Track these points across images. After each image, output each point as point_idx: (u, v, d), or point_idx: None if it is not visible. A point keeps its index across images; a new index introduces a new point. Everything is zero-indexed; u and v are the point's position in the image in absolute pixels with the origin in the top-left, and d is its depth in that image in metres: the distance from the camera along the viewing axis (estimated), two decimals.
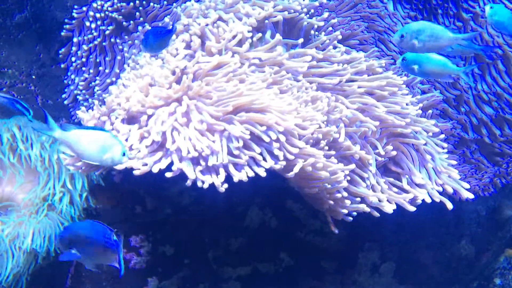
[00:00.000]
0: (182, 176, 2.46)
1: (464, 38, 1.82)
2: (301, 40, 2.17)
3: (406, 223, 2.63)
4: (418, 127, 2.11)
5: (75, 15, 2.62)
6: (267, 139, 1.80)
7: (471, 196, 2.07)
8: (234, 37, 2.05)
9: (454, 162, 2.19)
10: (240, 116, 1.85)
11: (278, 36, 2.08)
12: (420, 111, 2.18)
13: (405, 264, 2.69)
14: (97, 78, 2.59)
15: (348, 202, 1.97)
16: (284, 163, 1.83)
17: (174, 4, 2.44)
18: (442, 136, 2.23)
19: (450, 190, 2.06)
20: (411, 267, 2.71)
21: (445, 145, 2.20)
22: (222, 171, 1.81)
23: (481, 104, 2.49)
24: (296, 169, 1.83)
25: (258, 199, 2.49)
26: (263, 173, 1.80)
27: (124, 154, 1.62)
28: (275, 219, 2.50)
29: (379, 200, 1.99)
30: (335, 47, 2.20)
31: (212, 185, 2.44)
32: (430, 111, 2.35)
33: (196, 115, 1.86)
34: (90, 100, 2.57)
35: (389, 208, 1.96)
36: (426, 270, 2.75)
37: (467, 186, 2.09)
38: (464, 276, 2.85)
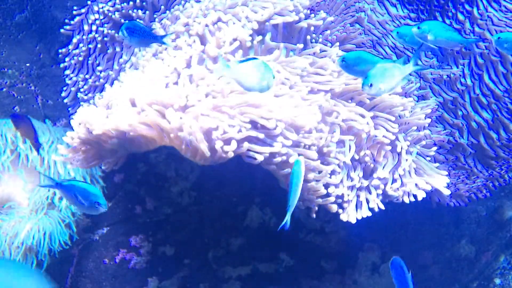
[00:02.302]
0: (182, 175, 2.47)
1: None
2: (301, 46, 2.17)
3: (407, 223, 2.63)
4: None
5: (75, 14, 2.62)
6: (265, 122, 1.82)
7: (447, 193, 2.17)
8: (234, 39, 2.06)
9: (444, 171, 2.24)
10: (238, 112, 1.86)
11: (276, 53, 2.11)
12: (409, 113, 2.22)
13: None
14: (97, 77, 2.60)
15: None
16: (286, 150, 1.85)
17: (168, 12, 2.44)
18: (434, 148, 2.28)
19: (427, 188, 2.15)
20: (411, 267, 2.71)
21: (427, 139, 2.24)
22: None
23: (478, 108, 2.49)
24: (292, 159, 1.85)
25: (258, 199, 2.49)
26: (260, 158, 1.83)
27: (273, 77, 1.75)
28: (275, 218, 2.50)
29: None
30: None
31: (212, 186, 2.46)
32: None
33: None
34: (91, 101, 2.58)
35: (352, 218, 2.05)
36: (426, 270, 2.75)
37: (448, 192, 2.19)
38: (464, 276, 2.85)
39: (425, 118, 2.27)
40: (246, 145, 1.80)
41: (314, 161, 1.93)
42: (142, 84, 1.97)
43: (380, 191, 2.10)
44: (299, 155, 1.89)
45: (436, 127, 2.47)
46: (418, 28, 2.04)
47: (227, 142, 1.79)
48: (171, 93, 1.86)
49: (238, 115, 1.82)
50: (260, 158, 1.81)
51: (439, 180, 2.18)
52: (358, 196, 2.10)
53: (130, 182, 2.48)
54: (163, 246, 2.49)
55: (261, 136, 1.82)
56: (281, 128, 1.83)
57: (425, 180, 2.17)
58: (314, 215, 2.03)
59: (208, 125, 1.78)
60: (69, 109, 2.69)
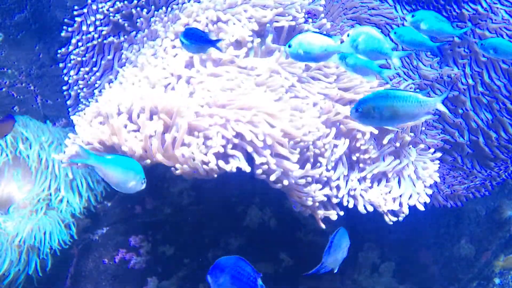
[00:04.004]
0: (181, 175, 2.47)
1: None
2: None
3: (406, 223, 2.63)
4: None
5: (76, 14, 2.62)
6: (254, 140, 1.84)
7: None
8: (238, 41, 2.07)
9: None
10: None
11: (276, 54, 2.11)
12: None
13: (404, 264, 2.69)
14: (96, 77, 2.60)
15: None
16: (266, 167, 1.87)
17: (168, 8, 2.43)
18: (432, 150, 2.25)
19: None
20: (411, 267, 2.71)
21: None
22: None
23: (478, 107, 2.48)
24: (272, 177, 1.87)
25: (257, 199, 2.49)
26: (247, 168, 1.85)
27: None
28: (274, 219, 2.50)
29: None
30: None
31: (211, 186, 2.45)
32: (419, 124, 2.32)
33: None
34: (90, 99, 2.58)
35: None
36: (425, 269, 2.75)
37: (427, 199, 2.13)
38: (463, 275, 2.85)
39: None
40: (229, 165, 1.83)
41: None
42: (140, 88, 1.97)
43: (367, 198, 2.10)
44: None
45: (436, 128, 2.47)
46: (413, 16, 2.03)
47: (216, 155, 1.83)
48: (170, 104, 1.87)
49: (230, 129, 1.84)
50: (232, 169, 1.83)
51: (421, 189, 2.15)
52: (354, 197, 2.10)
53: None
54: (162, 246, 2.49)
55: (250, 150, 1.85)
56: (270, 144, 1.85)
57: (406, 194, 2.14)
58: (323, 226, 2.03)
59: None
60: (69, 109, 2.69)
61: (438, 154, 2.24)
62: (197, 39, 1.96)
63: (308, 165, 1.93)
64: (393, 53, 1.83)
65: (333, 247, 1.91)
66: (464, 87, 2.46)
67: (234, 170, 1.84)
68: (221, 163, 1.82)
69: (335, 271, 1.90)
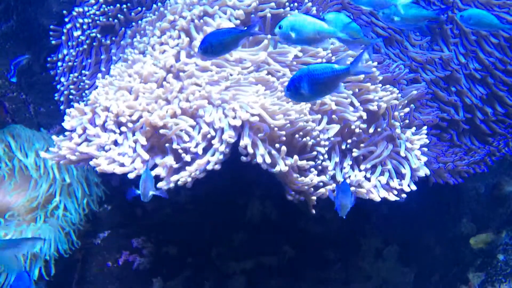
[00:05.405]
0: None
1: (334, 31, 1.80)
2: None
3: (407, 204, 2.62)
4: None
5: (63, 21, 2.62)
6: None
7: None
8: None
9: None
10: None
11: (265, 43, 2.11)
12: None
13: (408, 246, 2.69)
14: (88, 79, 2.59)
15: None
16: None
17: (156, 5, 2.43)
18: (425, 128, 2.23)
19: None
20: (414, 249, 2.71)
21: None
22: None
23: (472, 84, 2.48)
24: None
25: (258, 192, 2.48)
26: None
27: None
28: (276, 211, 2.50)
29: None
30: None
31: (210, 184, 2.45)
32: (412, 105, 2.30)
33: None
34: (81, 103, 2.57)
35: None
36: (429, 251, 2.75)
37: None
38: (467, 254, 2.85)
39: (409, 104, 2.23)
40: None
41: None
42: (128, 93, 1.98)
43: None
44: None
45: (431, 107, 2.47)
46: (383, 13, 2.02)
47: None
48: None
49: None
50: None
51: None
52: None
53: (128, 184, 2.47)
54: (165, 246, 2.49)
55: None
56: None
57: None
58: (313, 210, 2.02)
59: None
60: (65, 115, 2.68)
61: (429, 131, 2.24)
62: (228, 34, 1.84)
63: (296, 157, 1.93)
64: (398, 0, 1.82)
65: (345, 190, 1.87)
66: (457, 67, 2.46)
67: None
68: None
69: (344, 217, 1.87)
